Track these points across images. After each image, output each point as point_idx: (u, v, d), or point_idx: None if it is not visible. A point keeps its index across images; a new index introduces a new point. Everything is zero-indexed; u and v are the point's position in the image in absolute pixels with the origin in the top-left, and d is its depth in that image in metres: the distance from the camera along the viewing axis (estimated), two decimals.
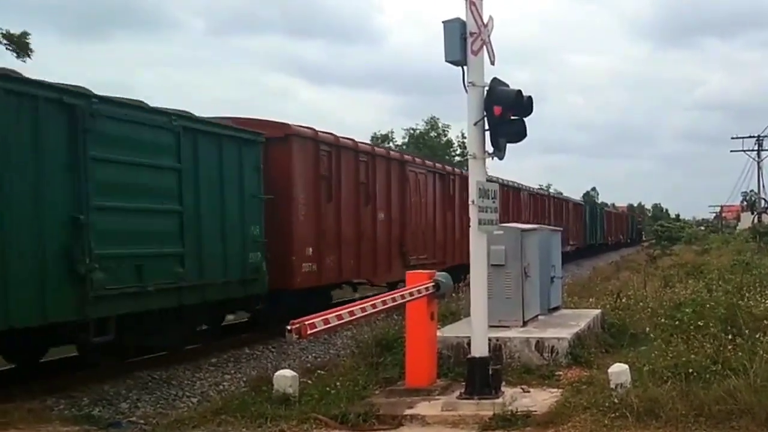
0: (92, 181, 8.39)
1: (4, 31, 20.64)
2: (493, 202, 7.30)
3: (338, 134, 14.33)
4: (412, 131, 57.14)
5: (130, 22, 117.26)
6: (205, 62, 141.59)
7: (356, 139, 15.35)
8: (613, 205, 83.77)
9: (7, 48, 20.71)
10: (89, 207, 8.32)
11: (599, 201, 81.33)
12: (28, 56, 20.55)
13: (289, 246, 12.41)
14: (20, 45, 20.27)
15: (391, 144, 54.40)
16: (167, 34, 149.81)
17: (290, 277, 12.36)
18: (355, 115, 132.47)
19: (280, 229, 12.18)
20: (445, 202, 19.55)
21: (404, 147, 53.57)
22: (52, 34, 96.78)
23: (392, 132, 56.62)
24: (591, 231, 43.78)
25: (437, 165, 20.26)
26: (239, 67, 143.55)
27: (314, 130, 13.51)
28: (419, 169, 18.15)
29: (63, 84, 8.42)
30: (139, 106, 9.44)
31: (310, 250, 12.99)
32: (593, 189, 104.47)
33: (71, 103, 8.23)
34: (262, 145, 11.77)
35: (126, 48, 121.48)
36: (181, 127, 9.91)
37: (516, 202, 27.80)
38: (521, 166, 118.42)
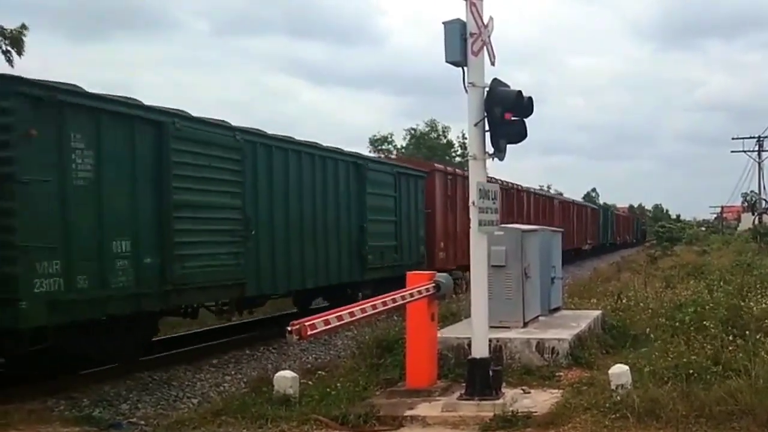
0: (367, 205, 15.32)
1: None
2: (494, 203, 7.29)
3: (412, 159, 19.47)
4: (412, 131, 57.24)
5: (131, 23, 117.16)
6: (206, 63, 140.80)
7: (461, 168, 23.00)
8: (614, 206, 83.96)
9: None
10: (366, 219, 15.26)
11: (600, 202, 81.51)
12: (20, 54, 18.02)
13: (433, 242, 19.13)
14: (13, 41, 18.19)
15: (390, 146, 54.55)
16: (168, 35, 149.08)
17: (433, 262, 18.26)
18: (356, 116, 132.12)
19: (428, 231, 18.78)
20: (511, 210, 26.22)
21: (403, 147, 53.65)
22: (53, 35, 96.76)
23: (392, 135, 56.76)
24: (604, 232, 50.19)
25: (506, 183, 27.04)
26: (240, 67, 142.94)
27: (445, 165, 23.21)
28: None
29: (354, 152, 15.69)
30: (380, 161, 17.37)
31: (442, 244, 19.71)
32: (593, 190, 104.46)
33: (359, 163, 15.24)
34: (425, 178, 18.74)
35: (127, 49, 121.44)
36: (396, 171, 17.18)
37: (550, 208, 34.23)
38: (521, 166, 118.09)
